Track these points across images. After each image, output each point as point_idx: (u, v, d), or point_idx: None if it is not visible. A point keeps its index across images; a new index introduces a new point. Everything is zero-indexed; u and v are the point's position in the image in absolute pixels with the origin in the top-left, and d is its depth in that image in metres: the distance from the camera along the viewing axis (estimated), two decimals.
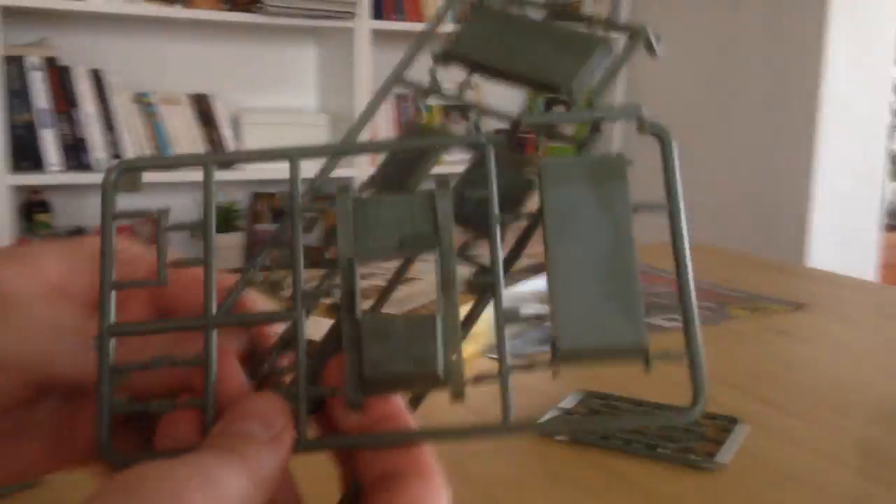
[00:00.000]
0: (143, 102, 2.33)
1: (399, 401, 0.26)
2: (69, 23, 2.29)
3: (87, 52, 2.30)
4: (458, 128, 2.81)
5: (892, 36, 2.50)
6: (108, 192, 0.27)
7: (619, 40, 0.30)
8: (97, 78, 2.25)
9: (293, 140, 2.43)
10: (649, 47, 0.31)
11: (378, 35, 2.50)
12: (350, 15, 2.41)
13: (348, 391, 0.25)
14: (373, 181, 0.32)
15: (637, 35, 0.31)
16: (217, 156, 0.28)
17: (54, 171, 2.15)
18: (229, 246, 2.44)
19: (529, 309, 0.79)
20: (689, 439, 0.54)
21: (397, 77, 0.33)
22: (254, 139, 2.44)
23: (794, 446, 0.55)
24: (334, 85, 2.61)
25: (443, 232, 0.26)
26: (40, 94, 2.16)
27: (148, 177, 0.29)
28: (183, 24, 2.38)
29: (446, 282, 0.26)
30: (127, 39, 2.40)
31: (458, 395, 0.25)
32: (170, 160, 0.32)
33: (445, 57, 0.32)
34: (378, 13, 2.52)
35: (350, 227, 0.27)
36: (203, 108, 2.42)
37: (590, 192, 0.26)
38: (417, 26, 2.62)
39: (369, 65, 2.49)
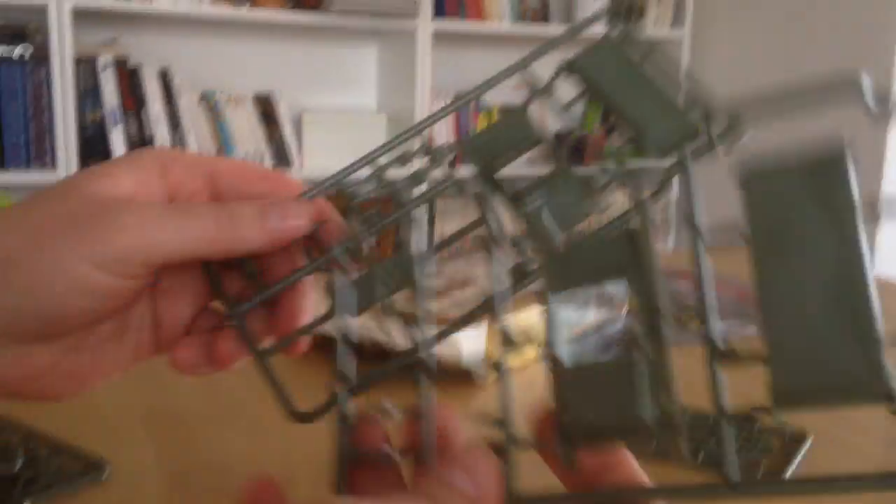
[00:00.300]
0: (209, 102, 2.38)
1: (623, 449, 0.26)
2: (138, 23, 2.35)
3: (155, 52, 2.36)
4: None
5: None
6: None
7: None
8: (165, 77, 2.30)
9: (352, 140, 2.46)
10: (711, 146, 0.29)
11: (438, 36, 2.51)
12: (413, 14, 2.42)
13: (559, 448, 0.24)
14: (461, 145, 0.34)
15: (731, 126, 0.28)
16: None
17: None
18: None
19: (592, 315, 0.78)
20: (758, 452, 0.53)
21: (518, 69, 0.35)
22: (314, 139, 2.47)
23: (862, 462, 0.53)
24: (394, 85, 2.63)
25: (645, 268, 0.25)
26: (110, 93, 2.23)
27: None
28: (248, 24, 2.43)
29: (652, 321, 0.23)
30: (194, 40, 2.45)
31: (666, 453, 0.23)
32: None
33: (569, 67, 0.33)
34: (440, 12, 2.53)
35: (552, 278, 0.27)
36: (266, 108, 2.46)
37: (804, 197, 0.22)
38: (478, 26, 2.62)
39: (429, 65, 2.50)
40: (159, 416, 0.57)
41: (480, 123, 2.68)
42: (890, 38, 2.29)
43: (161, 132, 2.27)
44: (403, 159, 0.36)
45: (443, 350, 0.66)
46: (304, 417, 0.32)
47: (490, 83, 0.36)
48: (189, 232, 0.31)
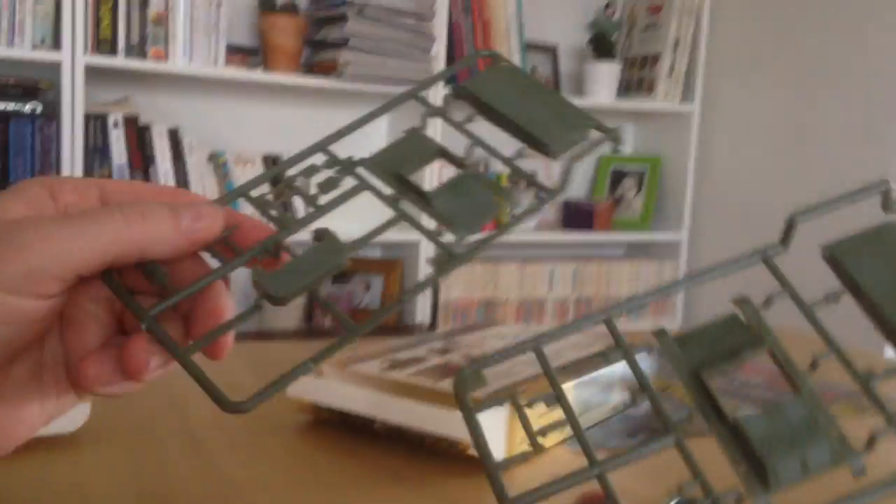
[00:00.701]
0: (218, 161, 2.37)
1: None
2: (150, 83, 2.35)
3: (166, 112, 2.36)
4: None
5: None
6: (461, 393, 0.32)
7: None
8: (174, 137, 2.30)
9: (362, 202, 2.44)
10: (616, 142, 0.38)
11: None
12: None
13: None
14: (366, 161, 0.38)
15: (610, 134, 0.37)
16: (545, 338, 0.33)
17: None
18: (292, 306, 2.43)
19: (616, 396, 0.74)
20: None
21: (411, 95, 0.40)
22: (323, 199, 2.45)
23: None
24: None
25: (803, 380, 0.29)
26: (119, 150, 2.22)
27: None
28: (260, 86, 2.43)
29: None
30: (206, 100, 2.46)
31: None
32: (505, 353, 0.35)
33: (458, 91, 0.39)
34: (452, 79, 2.53)
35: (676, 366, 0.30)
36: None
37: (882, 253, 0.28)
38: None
39: (439, 131, 2.49)
40: (148, 502, 0.52)
41: None
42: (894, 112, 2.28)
43: None
44: (310, 171, 0.38)
45: (458, 433, 0.62)
46: (238, 407, 0.31)
47: (385, 107, 0.40)
48: (98, 235, 0.29)
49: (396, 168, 0.37)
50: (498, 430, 0.60)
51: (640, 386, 0.30)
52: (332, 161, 0.38)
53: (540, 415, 0.66)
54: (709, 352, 0.30)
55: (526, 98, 0.37)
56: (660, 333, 0.31)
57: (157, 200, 0.33)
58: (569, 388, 0.67)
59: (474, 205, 0.36)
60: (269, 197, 0.37)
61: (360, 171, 0.38)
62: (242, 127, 2.48)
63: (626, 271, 2.92)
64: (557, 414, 0.66)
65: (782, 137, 2.59)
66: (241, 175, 2.38)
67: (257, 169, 2.40)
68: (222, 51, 2.27)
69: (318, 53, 2.42)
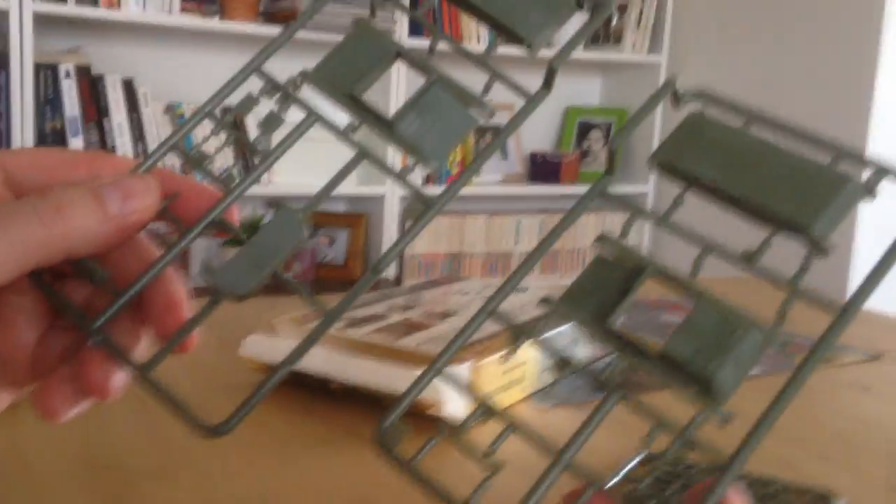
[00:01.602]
0: (175, 113, 2.30)
1: None
2: (103, 32, 2.26)
3: (120, 62, 2.28)
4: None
5: None
6: None
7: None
8: (129, 88, 2.22)
9: (324, 154, 2.39)
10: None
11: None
12: (388, 32, 2.37)
13: None
14: (310, 76, 0.32)
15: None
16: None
17: None
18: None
19: (581, 350, 0.72)
20: None
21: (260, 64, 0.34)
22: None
23: None
24: (368, 98, 2.56)
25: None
26: (72, 101, 2.14)
27: None
28: (217, 35, 2.35)
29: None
30: (161, 50, 2.38)
31: None
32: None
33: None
34: (416, 31, 2.48)
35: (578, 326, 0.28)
36: (234, 121, 2.38)
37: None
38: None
39: (403, 81, 2.44)
40: (94, 471, 0.50)
41: None
42: (868, 68, 2.28)
43: (123, 142, 2.18)
44: (247, 105, 0.33)
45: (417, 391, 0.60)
46: (217, 430, 0.28)
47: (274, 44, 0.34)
48: (10, 245, 0.24)
49: (348, 83, 0.32)
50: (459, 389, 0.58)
51: (565, 362, 0.28)
52: (271, 85, 0.33)
53: (503, 372, 0.64)
54: (598, 301, 0.28)
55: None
56: (544, 301, 0.29)
57: (73, 177, 0.29)
58: (533, 355, 0.66)
59: (444, 122, 0.31)
60: (207, 148, 0.33)
61: (307, 96, 0.33)
62: (200, 77, 2.40)
63: (592, 224, 2.91)
64: (519, 371, 0.65)
65: (750, 87, 2.57)
66: (200, 127, 2.31)
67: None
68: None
69: (276, 1, 2.34)
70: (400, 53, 0.33)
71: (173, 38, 2.36)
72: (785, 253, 0.30)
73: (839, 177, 0.28)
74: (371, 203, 2.56)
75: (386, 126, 0.31)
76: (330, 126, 0.33)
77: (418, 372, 0.29)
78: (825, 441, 0.60)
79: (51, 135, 2.11)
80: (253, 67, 0.34)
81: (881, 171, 0.28)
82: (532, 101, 0.32)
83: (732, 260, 0.28)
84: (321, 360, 0.60)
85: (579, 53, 2.76)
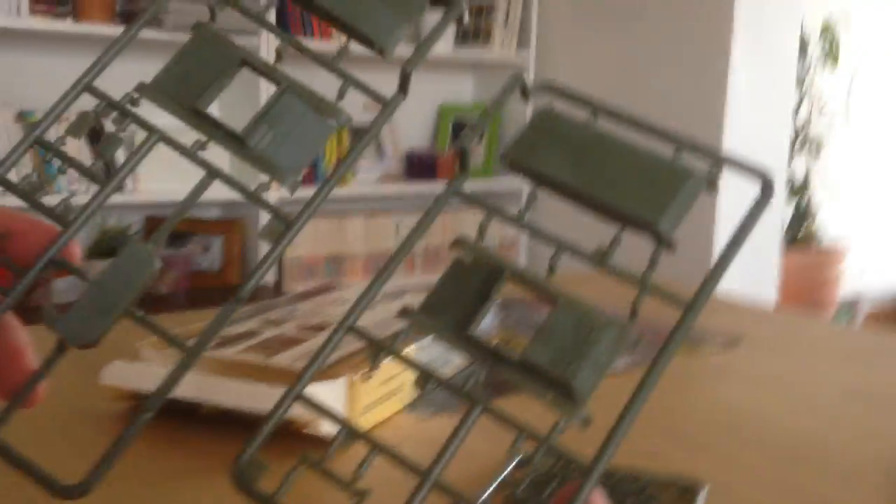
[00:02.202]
0: (28, 121, 2.16)
1: None
2: None
3: None
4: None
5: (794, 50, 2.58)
6: None
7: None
8: None
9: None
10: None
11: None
12: (255, 32, 2.31)
13: None
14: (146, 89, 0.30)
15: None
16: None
17: None
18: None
19: (457, 359, 0.72)
20: None
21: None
22: (150, 159, 2.30)
23: None
24: (234, 102, 2.50)
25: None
26: None
27: None
28: (71, 38, 2.23)
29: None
30: (10, 54, 2.23)
31: None
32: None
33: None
34: (284, 29, 2.43)
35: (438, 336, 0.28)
36: (95, 127, 2.27)
37: None
38: (324, 45, 2.54)
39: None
40: None
41: (330, 144, 2.60)
42: (721, 67, 2.40)
43: None
44: (81, 125, 0.31)
45: (293, 410, 0.58)
46: (74, 491, 0.26)
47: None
48: None
49: (191, 96, 0.30)
50: (338, 403, 0.57)
51: (427, 375, 0.28)
52: (106, 104, 0.30)
53: (383, 381, 0.63)
54: (458, 309, 0.28)
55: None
56: (403, 311, 0.28)
57: None
58: (411, 350, 0.65)
59: (298, 134, 0.30)
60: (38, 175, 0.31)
61: (145, 113, 0.31)
62: (54, 83, 2.27)
63: (470, 220, 2.95)
64: (396, 382, 0.64)
65: (616, 80, 2.66)
66: (56, 135, 2.18)
67: None
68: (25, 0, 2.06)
69: (134, 1, 2.24)
70: (245, 60, 0.31)
71: (23, 42, 2.22)
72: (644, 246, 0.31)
73: (681, 171, 0.29)
74: (245, 208, 2.50)
75: (236, 142, 0.30)
76: (176, 145, 0.30)
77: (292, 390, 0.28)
78: (691, 430, 0.62)
79: None
80: (84, 84, 0.31)
81: (720, 163, 0.29)
82: (388, 106, 0.31)
83: (585, 258, 0.29)
84: (189, 385, 0.57)
85: (449, 52, 2.78)
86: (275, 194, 2.44)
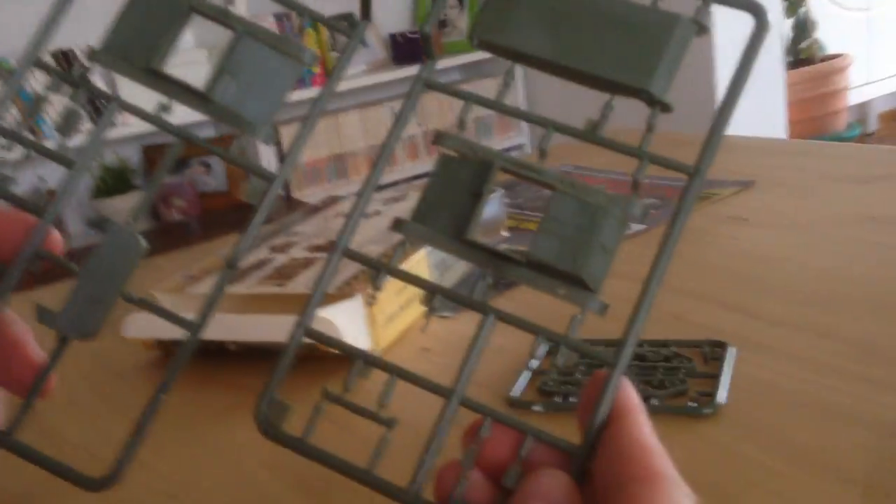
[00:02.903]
0: (3, 69, 2.11)
1: None
2: None
3: None
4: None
5: None
6: None
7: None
8: None
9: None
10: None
11: None
12: None
13: None
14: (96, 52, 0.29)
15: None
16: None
17: None
18: (132, 207, 2.28)
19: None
20: (680, 379, 0.48)
21: None
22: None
23: (790, 363, 0.50)
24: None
25: None
26: None
27: None
28: None
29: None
30: None
31: None
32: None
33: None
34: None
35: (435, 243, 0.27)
36: (71, 65, 2.21)
37: None
38: None
39: None
40: None
41: (309, 41, 2.52)
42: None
43: None
44: (37, 106, 0.30)
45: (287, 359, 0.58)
46: (102, 483, 0.26)
47: None
48: None
49: (144, 54, 0.28)
50: (358, 321, 0.57)
51: (431, 292, 0.27)
52: (56, 76, 0.29)
53: (398, 290, 0.63)
54: (452, 212, 0.27)
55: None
56: (396, 223, 0.27)
57: None
58: (421, 256, 0.65)
59: (263, 80, 0.28)
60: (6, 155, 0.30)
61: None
62: (21, 27, 2.20)
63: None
64: (411, 289, 0.64)
65: None
66: (36, 82, 2.13)
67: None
68: None
69: None
70: (193, 7, 0.29)
71: None
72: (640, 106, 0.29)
73: (666, 20, 0.26)
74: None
75: (199, 98, 0.28)
76: (136, 111, 0.29)
77: (313, 316, 0.28)
78: (712, 286, 0.62)
79: None
80: (29, 60, 0.29)
81: (707, 1, 0.26)
82: (351, 42, 0.30)
83: (577, 133, 0.27)
84: (211, 326, 0.57)
85: None
86: None
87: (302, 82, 2.50)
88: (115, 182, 2.24)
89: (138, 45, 0.28)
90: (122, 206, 2.24)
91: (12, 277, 0.27)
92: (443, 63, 2.74)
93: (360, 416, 0.26)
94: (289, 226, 0.76)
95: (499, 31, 0.27)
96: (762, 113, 2.34)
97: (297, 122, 2.54)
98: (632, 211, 0.26)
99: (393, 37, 2.81)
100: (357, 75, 2.67)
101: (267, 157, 2.44)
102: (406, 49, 2.78)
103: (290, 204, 2.42)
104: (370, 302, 0.57)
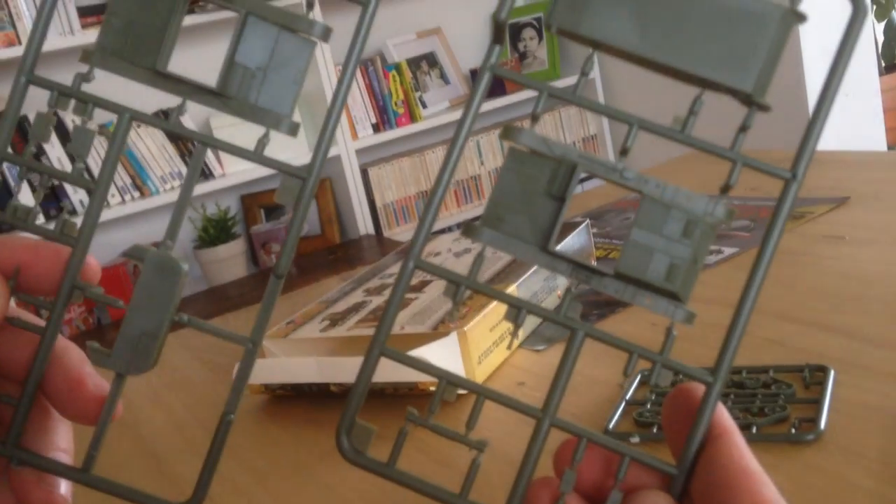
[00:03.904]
0: (107, 130, 2.24)
1: None
2: (9, 70, 2.19)
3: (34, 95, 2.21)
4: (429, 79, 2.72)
5: None
6: None
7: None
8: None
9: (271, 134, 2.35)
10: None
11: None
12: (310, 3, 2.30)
13: None
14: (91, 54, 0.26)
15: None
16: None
17: None
18: (233, 255, 2.38)
19: (562, 279, 0.72)
20: (781, 405, 0.48)
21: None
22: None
23: (894, 385, 0.48)
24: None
25: None
26: None
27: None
28: None
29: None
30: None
31: None
32: None
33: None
34: None
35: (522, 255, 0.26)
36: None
37: None
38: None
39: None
40: None
41: (392, 84, 2.59)
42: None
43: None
44: (42, 125, 0.27)
45: (413, 375, 0.60)
46: None
47: None
48: None
49: (147, 54, 0.26)
50: (452, 359, 0.59)
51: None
52: (56, 92, 0.27)
53: (491, 327, 0.64)
54: (530, 215, 0.25)
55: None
56: (467, 228, 0.26)
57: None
58: (512, 291, 0.66)
59: (276, 63, 0.26)
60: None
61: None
62: (123, 88, 2.34)
63: (549, 123, 2.90)
64: (504, 325, 0.65)
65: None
66: (139, 140, 2.26)
67: (153, 129, 2.28)
68: (74, 17, 2.11)
69: None
70: None
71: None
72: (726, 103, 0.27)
73: (762, 9, 0.24)
74: (329, 166, 2.53)
75: (214, 95, 0.26)
76: (151, 120, 0.27)
77: (411, 353, 0.28)
78: (810, 307, 0.61)
79: None
80: (26, 79, 0.27)
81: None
82: (368, 4, 0.27)
83: (664, 132, 0.25)
84: (314, 369, 0.60)
85: None
86: (353, 149, 2.46)
87: (388, 123, 2.57)
88: (216, 232, 2.34)
89: (137, 42, 0.26)
90: (226, 254, 2.33)
91: (59, 313, 0.26)
92: (524, 94, 2.76)
93: (446, 437, 0.25)
94: (382, 269, 0.79)
95: (579, 18, 0.25)
96: (857, 123, 2.26)
97: (382, 162, 2.60)
98: (717, 213, 0.24)
99: (473, 73, 2.85)
100: (440, 112, 2.71)
101: (358, 197, 2.50)
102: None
103: (380, 241, 2.47)
104: (453, 318, 0.58)
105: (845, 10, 0.24)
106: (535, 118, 0.26)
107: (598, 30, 0.25)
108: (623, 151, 0.25)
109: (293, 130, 0.27)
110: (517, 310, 0.26)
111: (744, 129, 0.25)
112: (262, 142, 0.27)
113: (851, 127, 2.11)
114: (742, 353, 0.25)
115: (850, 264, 0.69)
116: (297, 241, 0.27)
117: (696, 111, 0.25)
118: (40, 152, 2.13)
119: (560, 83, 2.80)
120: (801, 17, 0.24)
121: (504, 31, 0.27)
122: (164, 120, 0.27)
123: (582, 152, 0.25)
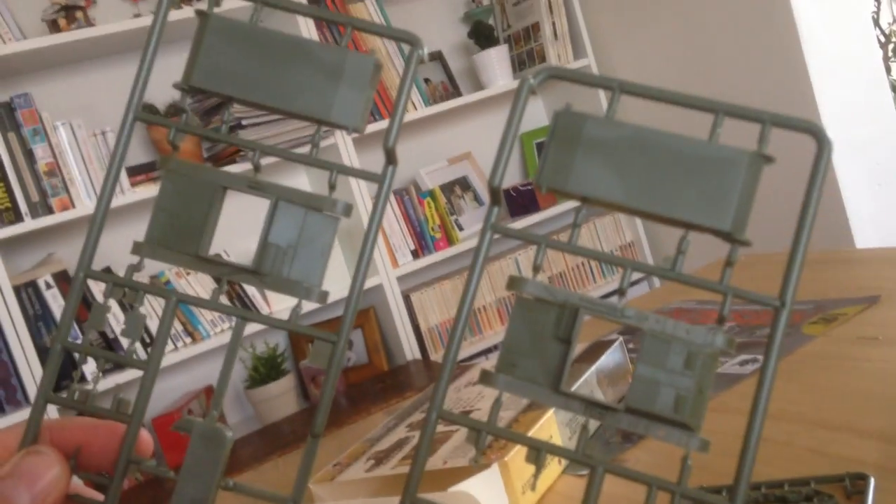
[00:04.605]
0: (160, 280, 2.33)
1: None
2: (68, 232, 2.31)
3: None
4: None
5: None
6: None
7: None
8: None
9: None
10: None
11: (363, 139, 2.48)
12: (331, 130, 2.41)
13: None
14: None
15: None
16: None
17: None
18: (284, 391, 2.40)
19: (599, 395, 0.73)
20: None
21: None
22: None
23: None
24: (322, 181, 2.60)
25: None
26: (61, 309, 2.17)
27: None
28: None
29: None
30: (119, 230, 2.42)
31: None
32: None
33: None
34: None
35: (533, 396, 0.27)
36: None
37: None
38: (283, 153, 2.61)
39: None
40: None
41: (428, 210, 2.66)
42: (786, 19, 2.32)
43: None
44: (99, 315, 0.29)
45: None
46: None
47: None
48: None
49: (190, 242, 0.29)
50: (496, 491, 0.60)
51: (535, 449, 0.28)
52: (111, 284, 0.30)
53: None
54: (541, 360, 0.27)
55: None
56: (483, 375, 0.27)
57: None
58: (549, 415, 0.67)
59: (305, 240, 0.29)
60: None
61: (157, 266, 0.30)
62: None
63: (585, 235, 2.93)
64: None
65: (684, 63, 2.61)
66: (190, 286, 2.35)
67: (212, 285, 2.36)
68: (124, 177, 2.24)
69: (217, 145, 2.40)
70: (227, 187, 0.29)
71: (130, 215, 2.41)
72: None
73: (730, 156, 0.26)
74: (371, 295, 2.59)
75: (251, 273, 0.29)
76: (196, 301, 0.30)
77: (455, 489, 0.29)
78: (847, 413, 0.60)
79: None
80: (84, 274, 0.30)
81: (767, 125, 0.26)
82: (382, 186, 0.30)
83: (655, 271, 0.27)
84: None
85: (511, 84, 2.81)
86: (394, 277, 2.51)
87: (426, 248, 2.63)
88: (266, 370, 2.37)
89: (181, 232, 0.29)
90: (277, 391, 2.36)
91: (116, 487, 0.28)
92: (558, 209, 2.81)
93: None
94: (423, 402, 0.80)
95: (565, 178, 0.27)
96: (886, 218, 2.25)
97: (424, 287, 2.64)
98: (716, 343, 0.26)
99: (506, 192, 2.92)
100: (477, 234, 2.77)
101: (402, 323, 2.53)
102: (520, 201, 2.88)
103: (427, 365, 2.47)
104: (476, 461, 0.59)
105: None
106: (536, 269, 0.28)
107: (584, 187, 0.27)
108: (621, 292, 0.28)
109: (322, 299, 0.29)
110: (536, 451, 0.27)
111: (729, 263, 0.27)
112: (296, 311, 0.30)
113: (889, 218, 2.10)
114: (782, 465, 0.26)
115: (886, 365, 0.68)
116: (332, 401, 0.29)
117: (683, 250, 0.27)
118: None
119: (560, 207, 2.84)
120: (769, 159, 0.26)
121: (499, 194, 0.30)
122: (206, 300, 0.30)
123: (583, 296, 0.27)
